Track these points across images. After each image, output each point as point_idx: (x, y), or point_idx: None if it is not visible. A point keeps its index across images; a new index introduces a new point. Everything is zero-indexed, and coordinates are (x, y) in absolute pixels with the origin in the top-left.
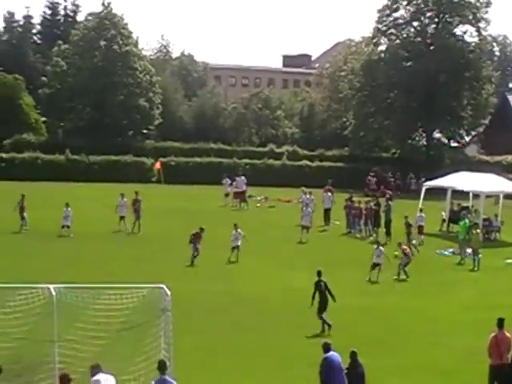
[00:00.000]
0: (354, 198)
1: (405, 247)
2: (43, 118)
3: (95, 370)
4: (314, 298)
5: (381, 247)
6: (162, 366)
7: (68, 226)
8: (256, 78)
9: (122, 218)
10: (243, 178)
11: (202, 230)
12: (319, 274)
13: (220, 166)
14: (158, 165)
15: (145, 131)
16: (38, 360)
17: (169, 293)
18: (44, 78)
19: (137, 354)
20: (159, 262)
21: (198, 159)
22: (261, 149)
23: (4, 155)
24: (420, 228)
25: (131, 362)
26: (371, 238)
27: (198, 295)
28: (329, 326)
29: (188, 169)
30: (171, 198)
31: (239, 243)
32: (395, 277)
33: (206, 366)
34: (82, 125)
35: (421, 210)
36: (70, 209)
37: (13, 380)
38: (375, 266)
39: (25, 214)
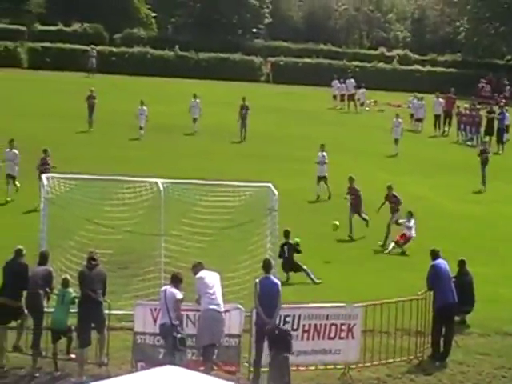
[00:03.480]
0: (466, 105)
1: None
2: (153, 14)
3: (198, 267)
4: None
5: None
6: (267, 266)
7: (141, 128)
8: None
9: (195, 119)
10: (352, 80)
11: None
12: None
13: (329, 68)
14: (268, 66)
15: (254, 30)
16: (145, 253)
17: (276, 192)
18: None
19: (242, 252)
20: (267, 160)
21: (307, 60)
22: (371, 52)
23: (114, 49)
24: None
25: (236, 260)
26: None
27: (306, 195)
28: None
29: (297, 69)
30: (279, 97)
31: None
32: None
33: (310, 268)
34: (192, 21)
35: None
36: (145, 107)
37: (119, 272)
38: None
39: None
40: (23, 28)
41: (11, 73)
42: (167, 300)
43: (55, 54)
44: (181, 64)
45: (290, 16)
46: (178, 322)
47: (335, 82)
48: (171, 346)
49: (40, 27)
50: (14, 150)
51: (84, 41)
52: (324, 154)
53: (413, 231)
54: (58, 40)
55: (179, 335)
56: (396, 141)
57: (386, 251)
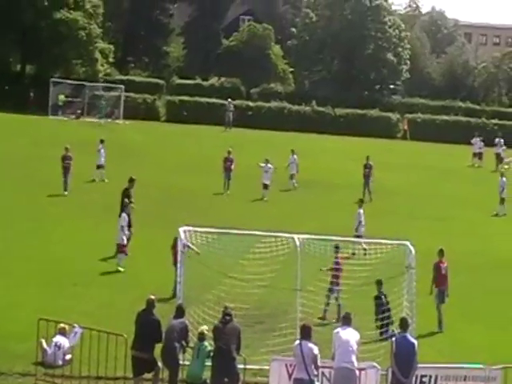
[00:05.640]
0: None
1: None
2: (291, 69)
3: (343, 321)
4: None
5: None
6: (404, 324)
7: (265, 186)
8: (508, 37)
9: (292, 176)
10: (502, 140)
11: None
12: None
13: (468, 125)
14: (405, 122)
15: (392, 86)
16: (281, 308)
17: (413, 250)
18: (293, 29)
19: (377, 310)
20: (405, 217)
21: (445, 117)
22: (511, 109)
23: (251, 104)
24: None
25: (372, 317)
26: None
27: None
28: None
29: (434, 126)
30: (416, 154)
31: None
32: None
33: (448, 326)
34: (330, 76)
35: None
36: (270, 165)
37: (255, 326)
38: None
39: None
40: (161, 81)
41: (150, 125)
42: (304, 354)
43: (193, 108)
44: (318, 119)
45: (427, 73)
46: (315, 378)
47: (475, 140)
48: None
49: (178, 81)
50: (123, 215)
51: (221, 95)
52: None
53: None
54: (196, 94)
55: None
56: (502, 200)
57: None
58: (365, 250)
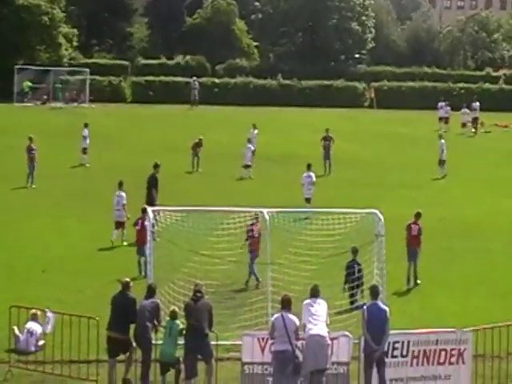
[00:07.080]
0: None
1: None
2: (255, 43)
3: (312, 293)
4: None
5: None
6: (374, 292)
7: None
8: (472, 0)
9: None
10: (478, 103)
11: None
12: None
13: (434, 91)
14: (372, 91)
15: (357, 55)
16: (251, 283)
17: (382, 218)
18: (257, 3)
19: (348, 279)
20: (373, 186)
21: (411, 83)
22: (477, 72)
23: (217, 80)
24: None
25: (343, 287)
26: None
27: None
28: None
29: (401, 93)
30: (384, 122)
31: None
32: None
33: (418, 292)
34: (294, 49)
35: None
36: (249, 145)
37: (226, 302)
38: None
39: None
40: (126, 63)
41: (116, 107)
42: (288, 327)
43: (158, 88)
44: (284, 92)
45: (392, 40)
46: (297, 349)
47: (441, 105)
48: (291, 373)
49: (143, 61)
50: (122, 194)
51: (187, 73)
52: (311, 173)
53: None
54: (161, 73)
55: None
56: (441, 162)
57: None
58: (306, 218)
